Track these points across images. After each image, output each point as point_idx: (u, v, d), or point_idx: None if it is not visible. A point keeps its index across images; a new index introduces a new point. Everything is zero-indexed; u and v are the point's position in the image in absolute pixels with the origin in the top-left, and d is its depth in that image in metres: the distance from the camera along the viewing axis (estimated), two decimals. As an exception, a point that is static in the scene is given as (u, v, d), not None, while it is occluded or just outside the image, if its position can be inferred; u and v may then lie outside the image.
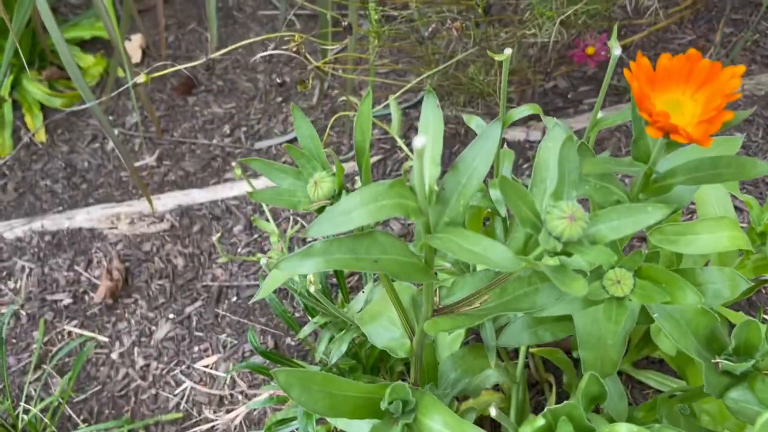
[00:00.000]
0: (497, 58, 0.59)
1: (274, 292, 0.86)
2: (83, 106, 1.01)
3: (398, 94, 0.99)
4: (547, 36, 0.92)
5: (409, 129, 1.29)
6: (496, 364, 0.80)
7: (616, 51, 0.59)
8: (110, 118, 1.44)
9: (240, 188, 1.26)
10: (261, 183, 1.24)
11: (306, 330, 0.75)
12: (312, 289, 0.62)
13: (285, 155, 1.31)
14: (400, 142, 0.95)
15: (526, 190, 0.39)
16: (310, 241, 1.00)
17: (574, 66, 1.15)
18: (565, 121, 1.20)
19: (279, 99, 1.40)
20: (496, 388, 0.89)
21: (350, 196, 0.40)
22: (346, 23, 0.75)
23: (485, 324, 0.63)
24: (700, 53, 0.38)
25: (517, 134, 1.22)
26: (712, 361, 0.48)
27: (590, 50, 1.08)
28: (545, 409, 0.43)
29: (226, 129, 1.37)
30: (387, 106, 1.28)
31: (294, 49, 0.86)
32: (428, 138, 0.43)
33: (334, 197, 0.47)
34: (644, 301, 0.43)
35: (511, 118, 0.66)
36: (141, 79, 0.95)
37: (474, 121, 0.68)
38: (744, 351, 0.48)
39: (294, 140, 1.33)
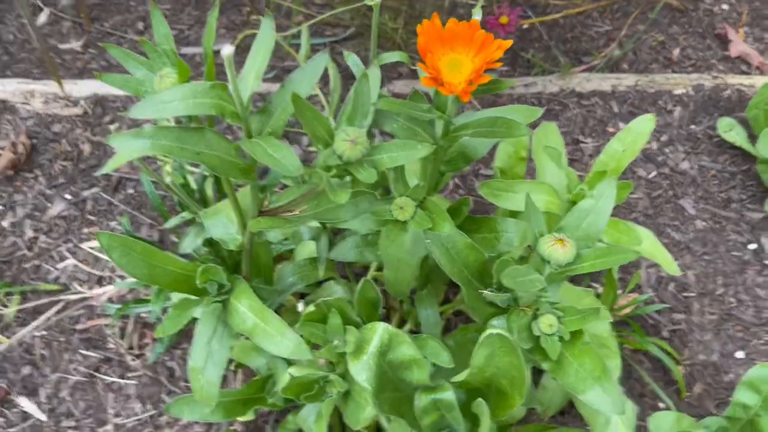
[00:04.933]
0: (368, 2, 0.65)
1: (156, 186, 0.92)
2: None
3: (311, 22, 1.04)
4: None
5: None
6: (339, 280, 0.88)
7: (476, 16, 0.66)
8: (44, -5, 1.43)
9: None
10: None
11: (173, 221, 0.81)
12: (168, 180, 0.69)
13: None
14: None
15: (319, 113, 0.46)
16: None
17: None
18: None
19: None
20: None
21: (174, 89, 0.46)
22: None
23: (321, 238, 0.71)
24: (479, 24, 0.45)
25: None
26: (479, 291, 0.57)
27: (504, 20, 1.15)
28: (319, 300, 0.52)
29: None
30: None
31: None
32: (258, 53, 0.50)
33: (176, 92, 0.53)
34: (416, 226, 0.51)
35: (381, 60, 0.72)
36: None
37: (351, 59, 0.74)
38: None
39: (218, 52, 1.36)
